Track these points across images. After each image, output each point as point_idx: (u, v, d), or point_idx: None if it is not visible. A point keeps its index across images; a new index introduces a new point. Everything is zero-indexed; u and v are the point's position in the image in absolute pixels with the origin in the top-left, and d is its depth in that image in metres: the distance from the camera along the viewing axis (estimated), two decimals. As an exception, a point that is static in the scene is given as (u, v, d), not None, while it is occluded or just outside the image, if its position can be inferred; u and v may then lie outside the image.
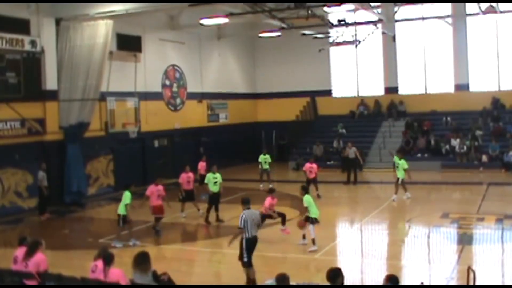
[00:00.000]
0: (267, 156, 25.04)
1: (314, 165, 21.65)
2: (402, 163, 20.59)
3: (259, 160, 25.06)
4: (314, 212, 13.99)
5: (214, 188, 17.71)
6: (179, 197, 18.65)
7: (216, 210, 17.67)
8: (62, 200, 21.45)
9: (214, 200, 17.69)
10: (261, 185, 24.87)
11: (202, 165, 21.75)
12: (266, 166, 24.85)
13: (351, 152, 25.55)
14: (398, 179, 20.58)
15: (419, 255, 14.03)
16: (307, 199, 14.07)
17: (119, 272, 8.39)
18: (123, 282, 8.28)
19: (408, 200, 20.28)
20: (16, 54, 20.10)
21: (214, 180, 17.77)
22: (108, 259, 8.42)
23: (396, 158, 21.01)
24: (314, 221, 13.93)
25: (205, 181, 18.05)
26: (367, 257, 13.98)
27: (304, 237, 14.26)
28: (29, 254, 9.00)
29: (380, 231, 17.43)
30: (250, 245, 11.04)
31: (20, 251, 9.23)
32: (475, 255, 13.75)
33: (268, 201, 15.19)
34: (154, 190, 16.09)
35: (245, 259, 11.07)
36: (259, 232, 11.47)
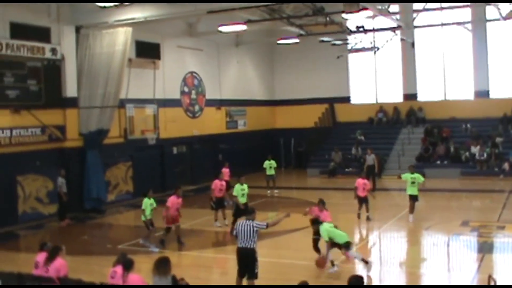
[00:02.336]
0: (272, 161, 25.10)
1: (367, 181, 18.66)
2: (418, 177, 18.11)
3: (264, 166, 25.06)
4: (340, 238, 12.50)
5: (241, 200, 17.22)
6: (211, 206, 18.40)
7: None
8: (82, 206, 21.62)
9: (241, 212, 16.28)
10: (268, 192, 24.84)
11: (225, 171, 21.54)
12: (272, 172, 24.91)
13: (370, 159, 25.43)
14: (412, 196, 17.93)
15: (439, 263, 13.91)
16: (323, 231, 12.53)
17: (138, 278, 8.43)
18: None
19: (427, 208, 20.02)
20: (37, 62, 20.38)
21: (242, 192, 17.28)
22: (127, 265, 8.46)
23: (407, 176, 18.19)
24: (347, 245, 12.49)
25: (234, 193, 17.44)
26: (386, 265, 13.87)
27: (333, 263, 12.57)
28: (50, 259, 9.13)
29: (399, 238, 17.32)
30: (237, 255, 10.81)
31: (41, 256, 9.37)
32: (496, 264, 13.60)
33: (314, 211, 13.86)
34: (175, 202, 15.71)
35: None
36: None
